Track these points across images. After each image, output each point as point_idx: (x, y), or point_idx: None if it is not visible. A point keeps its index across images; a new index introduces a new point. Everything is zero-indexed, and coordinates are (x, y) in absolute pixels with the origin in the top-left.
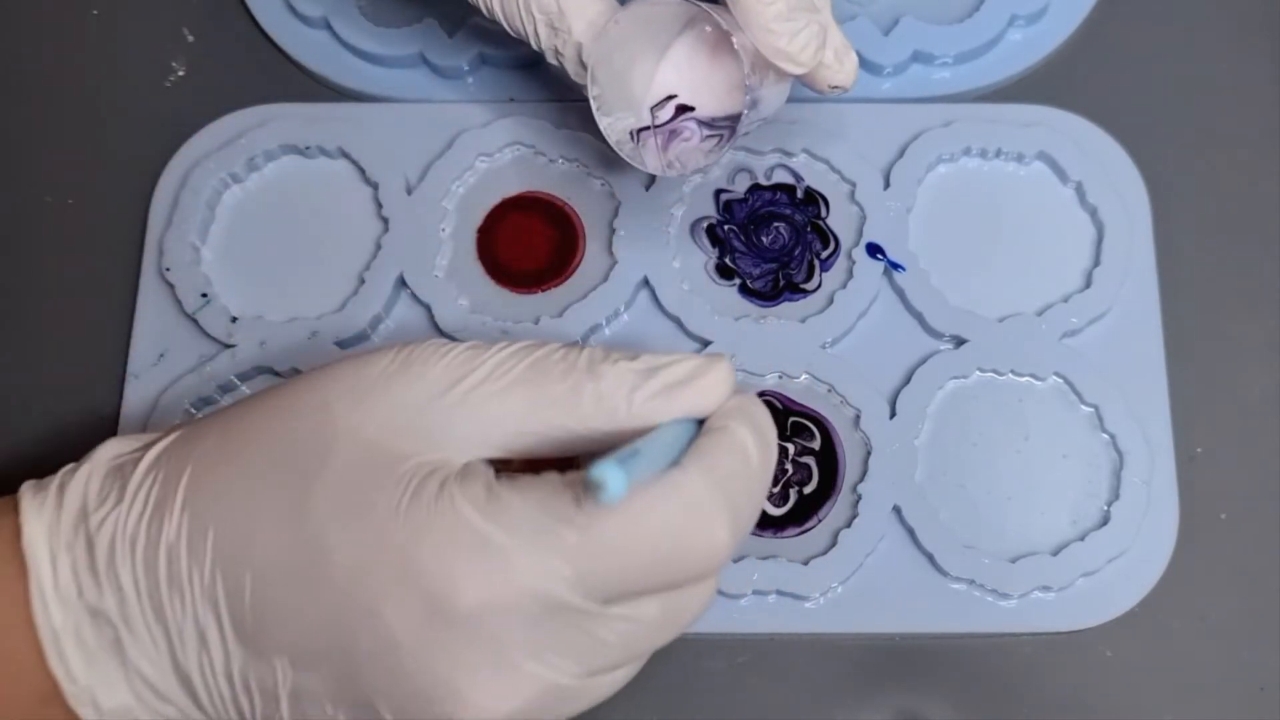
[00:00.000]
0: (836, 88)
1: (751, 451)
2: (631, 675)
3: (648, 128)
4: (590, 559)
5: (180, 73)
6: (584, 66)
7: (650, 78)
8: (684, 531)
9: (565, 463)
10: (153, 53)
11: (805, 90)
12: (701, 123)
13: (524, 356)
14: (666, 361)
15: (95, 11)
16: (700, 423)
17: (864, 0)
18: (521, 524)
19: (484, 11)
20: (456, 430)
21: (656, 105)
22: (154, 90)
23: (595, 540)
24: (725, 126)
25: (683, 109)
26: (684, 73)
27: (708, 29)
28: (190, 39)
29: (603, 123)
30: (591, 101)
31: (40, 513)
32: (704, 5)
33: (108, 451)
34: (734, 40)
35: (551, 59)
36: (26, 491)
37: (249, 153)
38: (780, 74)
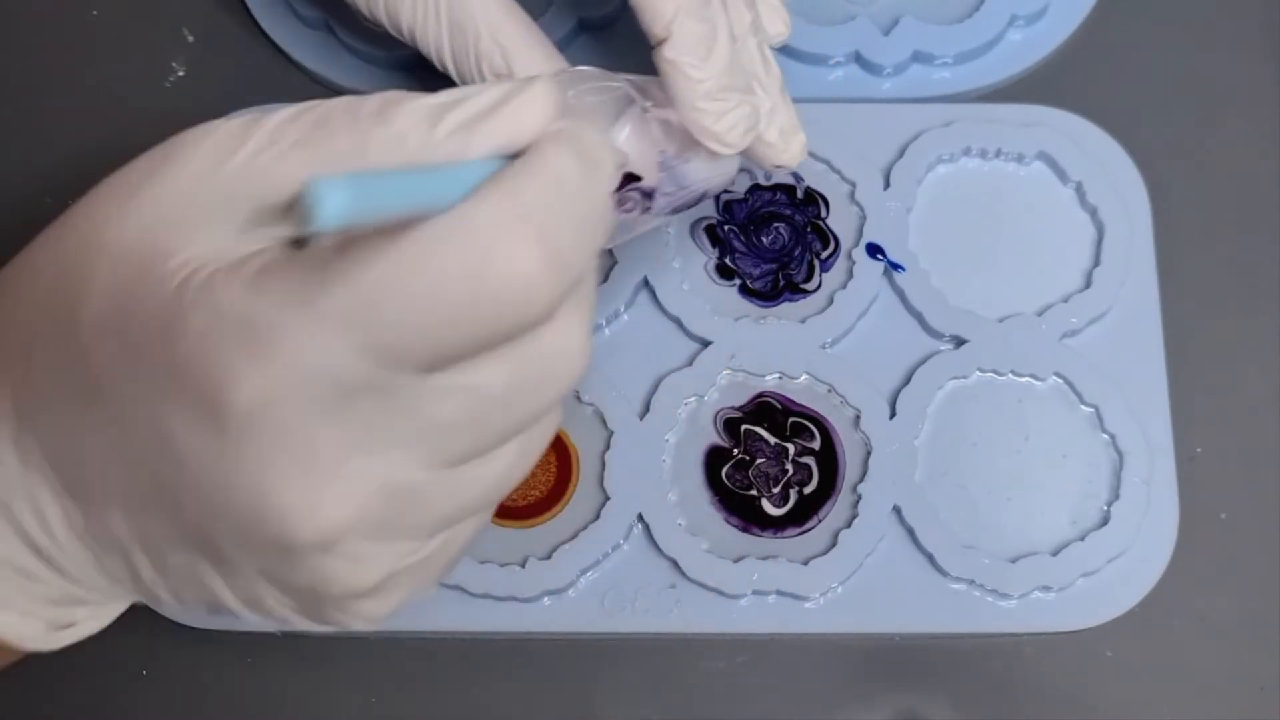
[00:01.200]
0: (780, 167)
1: (568, 172)
2: (521, 469)
3: None
4: (370, 317)
5: (180, 73)
6: None
7: None
8: (477, 266)
9: None
10: (153, 53)
11: (806, 89)
12: (645, 193)
13: (305, 114)
14: (471, 91)
15: (95, 12)
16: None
17: (864, 0)
18: (289, 295)
19: (436, 65)
20: (229, 213)
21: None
22: (154, 90)
23: (371, 295)
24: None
25: (630, 178)
26: (632, 147)
27: (644, 107)
28: (190, 39)
29: None
30: None
31: None
32: (633, 84)
33: None
34: (648, 116)
35: None
36: None
37: None
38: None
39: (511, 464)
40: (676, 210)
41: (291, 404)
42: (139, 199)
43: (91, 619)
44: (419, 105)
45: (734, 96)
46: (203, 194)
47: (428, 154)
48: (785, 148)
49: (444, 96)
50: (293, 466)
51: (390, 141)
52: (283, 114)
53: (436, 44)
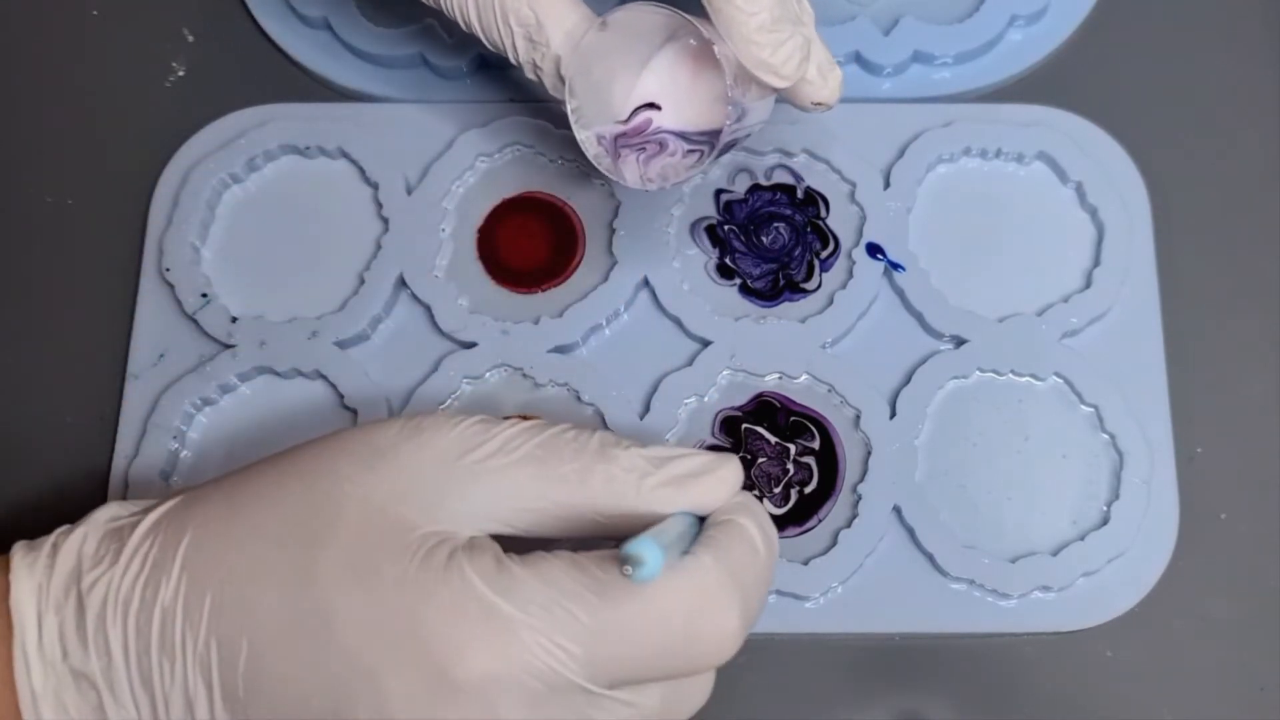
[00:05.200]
0: (820, 104)
1: (759, 544)
2: None
3: (622, 134)
4: (601, 641)
5: (180, 73)
6: (562, 80)
7: (630, 90)
8: (697, 618)
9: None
10: (153, 53)
11: None
12: (681, 136)
13: (535, 434)
14: (678, 453)
15: (95, 12)
16: (702, 520)
17: (864, 0)
18: (531, 599)
19: (461, 25)
20: (465, 501)
21: (633, 113)
22: (154, 90)
23: (608, 622)
24: (705, 141)
25: (651, 122)
26: (665, 85)
27: (691, 41)
28: (190, 39)
29: (580, 136)
30: (570, 114)
31: (31, 571)
32: (686, 16)
33: (105, 514)
34: (716, 51)
35: (530, 73)
36: (18, 550)
37: (249, 153)
38: (763, 88)
39: None
40: (720, 154)
41: (508, 687)
42: (384, 467)
43: None
44: (634, 455)
45: (787, 28)
46: (443, 479)
47: (638, 499)
48: (824, 83)
49: (654, 452)
50: None
51: (608, 480)
52: (514, 427)
53: (460, 1)
